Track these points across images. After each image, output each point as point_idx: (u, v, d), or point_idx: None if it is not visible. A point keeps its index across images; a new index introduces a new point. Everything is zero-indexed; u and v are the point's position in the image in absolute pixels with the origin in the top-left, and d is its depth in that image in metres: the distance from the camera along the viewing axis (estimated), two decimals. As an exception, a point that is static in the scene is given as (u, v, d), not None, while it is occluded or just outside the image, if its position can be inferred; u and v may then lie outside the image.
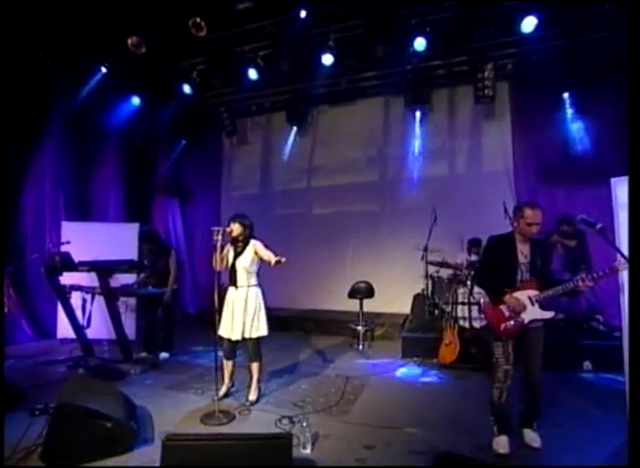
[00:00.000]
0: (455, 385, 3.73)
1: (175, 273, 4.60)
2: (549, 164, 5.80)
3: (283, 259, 3.04)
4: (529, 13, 4.74)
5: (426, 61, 5.79)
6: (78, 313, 4.47)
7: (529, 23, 4.81)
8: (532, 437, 2.50)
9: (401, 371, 4.19)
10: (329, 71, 5.97)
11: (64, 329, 5.42)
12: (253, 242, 3.34)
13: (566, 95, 5.50)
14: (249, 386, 3.34)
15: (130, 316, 5.45)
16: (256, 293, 3.29)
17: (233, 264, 3.26)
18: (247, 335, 3.21)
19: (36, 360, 4.54)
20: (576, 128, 5.53)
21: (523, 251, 2.57)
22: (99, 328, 4.91)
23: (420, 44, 5.31)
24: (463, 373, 3.98)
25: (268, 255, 3.17)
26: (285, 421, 2.90)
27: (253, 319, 3.22)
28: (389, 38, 5.46)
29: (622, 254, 2.27)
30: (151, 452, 2.44)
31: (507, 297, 2.51)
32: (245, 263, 3.27)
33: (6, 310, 4.77)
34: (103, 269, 3.92)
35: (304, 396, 3.46)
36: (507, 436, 2.52)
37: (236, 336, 3.19)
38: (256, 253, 3.30)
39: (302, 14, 4.98)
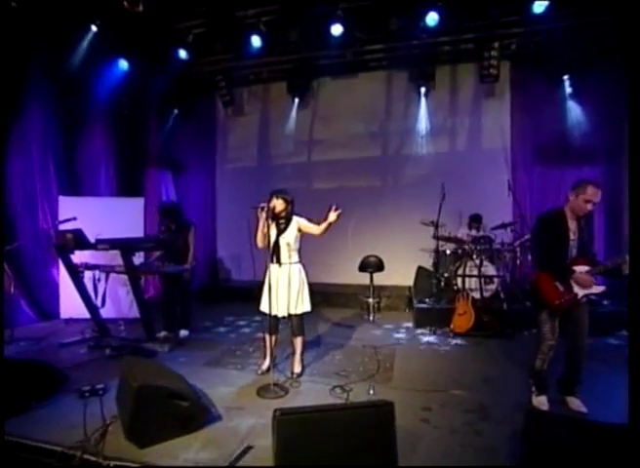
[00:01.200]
0: (475, 351, 4.05)
1: (194, 249, 4.52)
2: (545, 143, 6.11)
3: (334, 216, 3.07)
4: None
5: (435, 37, 5.79)
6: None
7: (541, 3, 4.92)
8: (577, 403, 2.73)
9: (422, 340, 4.47)
10: (335, 42, 5.83)
11: (69, 309, 5.23)
12: (296, 219, 3.34)
13: (565, 77, 5.74)
14: (293, 360, 3.44)
15: (122, 298, 5.32)
16: (299, 270, 3.34)
17: (277, 241, 3.26)
18: (292, 311, 3.28)
19: (50, 342, 4.37)
20: (572, 110, 5.83)
21: (572, 228, 2.70)
22: (108, 307, 4.79)
23: (432, 19, 5.30)
24: (479, 340, 4.31)
25: (318, 228, 3.20)
26: (338, 390, 3.05)
27: (297, 295, 3.28)
28: (403, 10, 5.40)
29: None
30: (222, 428, 2.52)
31: (577, 274, 2.62)
32: (289, 240, 3.29)
33: (12, 291, 4.52)
34: (128, 247, 3.77)
35: (343, 366, 3.62)
36: (546, 396, 2.82)
37: (282, 313, 3.25)
38: (299, 229, 3.32)
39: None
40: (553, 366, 2.82)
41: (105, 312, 4.68)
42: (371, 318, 5.53)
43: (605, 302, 4.79)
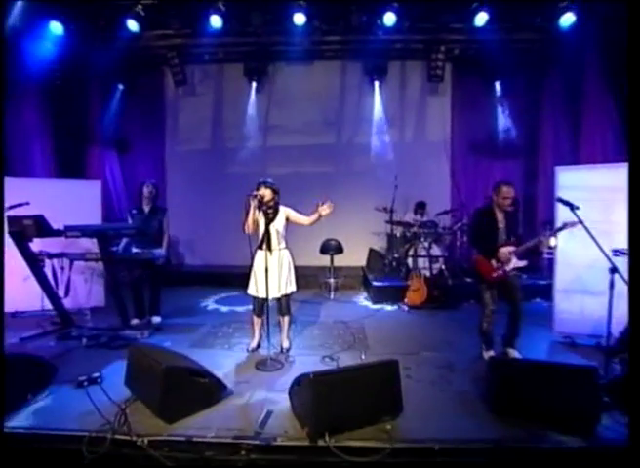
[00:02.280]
0: (431, 320, 4.72)
1: (168, 234, 4.49)
2: (478, 139, 6.99)
3: (327, 210, 3.40)
4: (483, 8, 5.49)
5: (389, 35, 6.18)
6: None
7: (481, 17, 5.59)
8: (515, 353, 3.48)
9: (384, 313, 5.04)
10: (295, 30, 5.95)
11: (14, 301, 4.82)
12: (283, 208, 3.58)
13: (497, 82, 6.60)
14: (281, 336, 3.73)
15: (98, 281, 5.11)
16: (288, 254, 3.61)
17: (267, 229, 3.46)
18: (282, 292, 3.55)
19: (7, 337, 4.05)
20: (500, 111, 6.74)
21: (499, 219, 3.45)
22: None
23: (389, 19, 5.69)
24: (431, 312, 5.00)
25: (308, 219, 3.49)
26: (327, 359, 3.44)
27: (287, 277, 3.56)
28: (364, 8, 5.71)
29: (566, 225, 3.21)
30: (238, 399, 2.76)
31: (500, 252, 3.37)
32: (278, 228, 3.52)
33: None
34: (105, 235, 3.66)
35: (323, 340, 4.01)
36: (493, 350, 3.53)
37: (273, 295, 3.49)
38: (287, 219, 3.56)
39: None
40: (496, 327, 3.54)
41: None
42: (332, 296, 5.99)
43: (524, 276, 5.82)
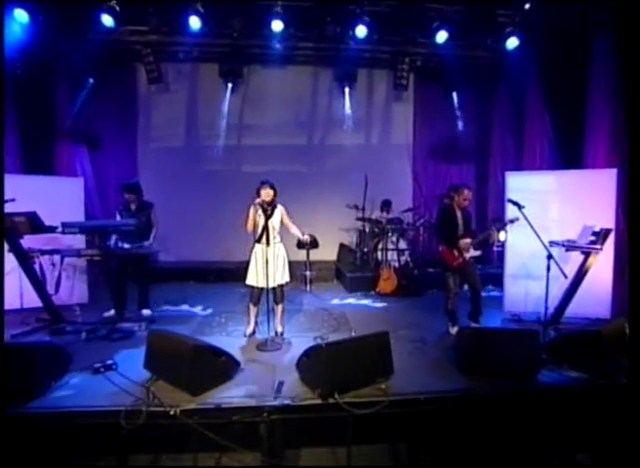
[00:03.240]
0: (401, 305, 5.33)
1: (157, 228, 4.68)
2: (437, 143, 7.75)
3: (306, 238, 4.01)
4: (443, 27, 6.17)
5: (359, 44, 6.70)
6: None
7: (441, 35, 6.26)
8: (477, 326, 4.17)
9: (360, 301, 5.58)
10: (271, 35, 6.28)
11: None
12: (280, 207, 3.97)
13: (454, 93, 7.36)
14: (275, 322, 4.09)
15: (80, 278, 5.15)
16: (283, 248, 4.00)
17: (266, 225, 3.83)
18: (278, 282, 3.94)
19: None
20: (457, 119, 7.51)
21: (459, 216, 4.16)
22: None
23: (361, 31, 6.19)
24: (400, 299, 5.61)
25: (294, 229, 4.03)
26: (319, 340, 3.87)
27: (282, 268, 3.95)
28: (338, 19, 6.18)
29: (511, 221, 3.98)
30: (250, 374, 3.15)
31: (460, 243, 4.04)
32: (275, 224, 3.90)
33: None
34: (105, 231, 3.82)
35: (310, 324, 4.46)
36: (457, 326, 4.17)
37: (272, 284, 3.85)
38: (281, 217, 3.96)
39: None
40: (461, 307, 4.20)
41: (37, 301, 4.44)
42: (308, 288, 6.43)
43: (479, 266, 6.64)
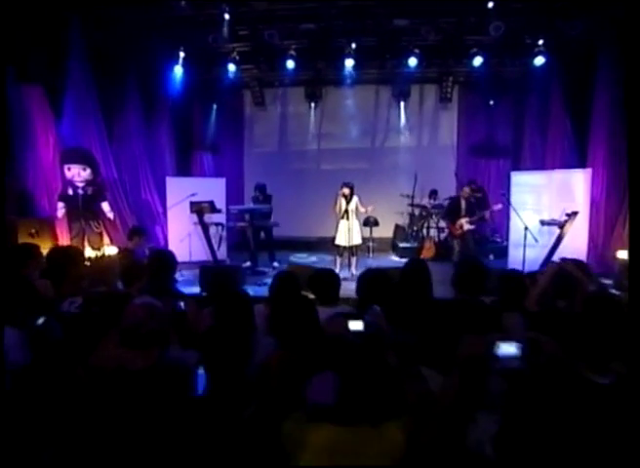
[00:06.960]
0: (438, 266, 7.32)
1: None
2: (477, 143, 9.47)
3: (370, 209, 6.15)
4: (479, 53, 7.90)
5: (411, 69, 8.63)
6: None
7: (478, 60, 8.00)
8: None
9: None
10: (344, 65, 8.44)
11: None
12: (355, 197, 6.26)
13: (491, 101, 9.02)
14: (350, 268, 6.41)
15: (223, 245, 7.85)
16: (357, 222, 6.34)
17: (347, 208, 6.15)
18: (352, 243, 6.27)
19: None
20: (494, 122, 9.17)
21: (463, 203, 6.14)
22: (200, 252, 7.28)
23: (413, 61, 8.14)
24: (438, 262, 7.61)
25: (363, 209, 6.26)
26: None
27: (357, 234, 6.30)
28: (395, 54, 8.20)
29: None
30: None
31: (459, 221, 6.06)
32: (352, 208, 6.22)
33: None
34: (254, 212, 6.42)
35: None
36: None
37: (351, 242, 6.21)
38: (356, 204, 6.24)
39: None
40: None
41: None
42: (371, 255, 8.67)
43: (491, 257, 8.46)
